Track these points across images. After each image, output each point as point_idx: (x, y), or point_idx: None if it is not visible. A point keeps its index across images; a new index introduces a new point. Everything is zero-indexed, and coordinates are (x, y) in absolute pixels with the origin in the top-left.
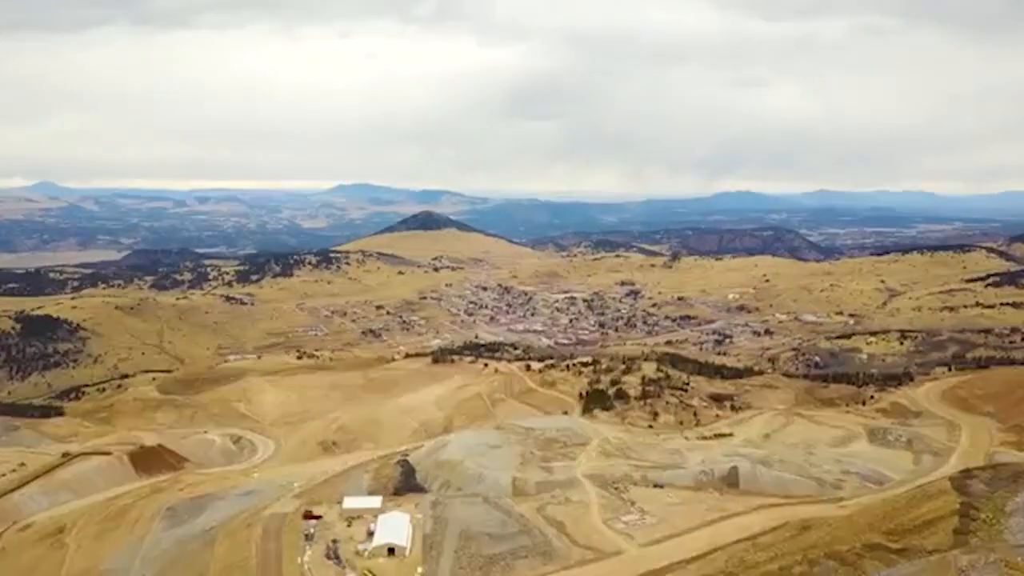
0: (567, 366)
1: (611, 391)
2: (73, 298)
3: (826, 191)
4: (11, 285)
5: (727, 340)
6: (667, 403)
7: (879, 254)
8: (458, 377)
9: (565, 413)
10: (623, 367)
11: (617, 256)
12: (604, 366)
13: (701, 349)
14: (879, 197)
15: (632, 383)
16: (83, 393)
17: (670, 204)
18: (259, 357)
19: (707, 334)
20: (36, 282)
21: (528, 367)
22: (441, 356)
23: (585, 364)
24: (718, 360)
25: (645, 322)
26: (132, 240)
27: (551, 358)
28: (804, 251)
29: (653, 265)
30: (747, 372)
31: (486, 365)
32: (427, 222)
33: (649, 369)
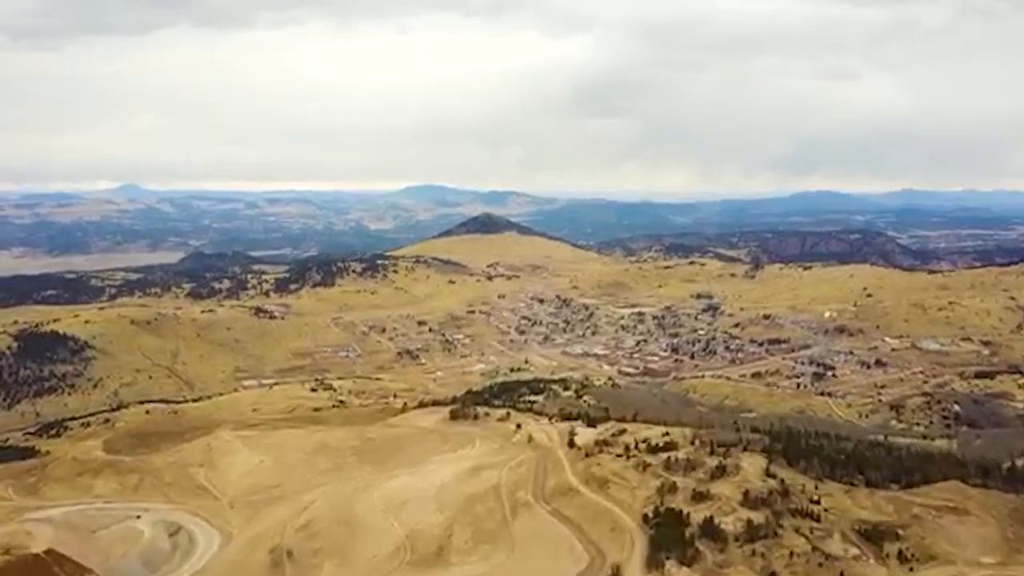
0: (627, 448)
1: (694, 518)
2: (101, 308)
3: (911, 190)
4: (49, 292)
5: (829, 373)
6: (790, 552)
7: (1003, 264)
8: (478, 444)
9: (616, 572)
10: (713, 462)
11: (691, 263)
12: (683, 455)
13: (799, 387)
14: (969, 196)
15: (728, 500)
16: (65, 428)
17: (745, 204)
18: (271, 387)
19: (802, 363)
20: (75, 289)
21: (572, 440)
22: (462, 410)
23: (654, 448)
24: (821, 403)
25: (727, 347)
26: (200, 242)
27: (608, 418)
28: (897, 256)
29: (733, 274)
30: (905, 466)
31: (519, 427)
32: (486, 224)
33: (753, 469)
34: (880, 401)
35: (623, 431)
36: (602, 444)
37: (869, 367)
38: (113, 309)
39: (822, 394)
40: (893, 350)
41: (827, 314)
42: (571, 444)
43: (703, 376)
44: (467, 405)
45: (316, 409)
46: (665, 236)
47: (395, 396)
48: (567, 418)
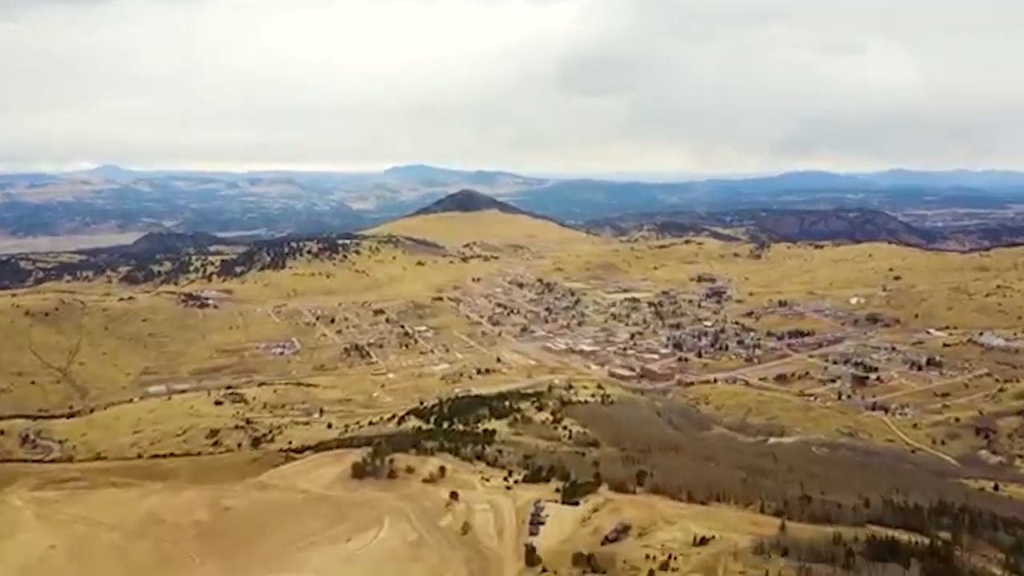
0: None
1: None
2: (15, 295)
3: (902, 170)
4: None
5: (872, 376)
6: None
7: (1009, 243)
8: (385, 531)
9: None
10: None
11: (688, 242)
12: None
13: (840, 396)
14: (958, 176)
15: None
16: None
17: (736, 185)
18: (169, 398)
19: (835, 362)
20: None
21: (532, 546)
22: (372, 463)
23: None
24: (875, 422)
25: (740, 341)
26: (173, 222)
27: (598, 480)
28: (903, 235)
29: (736, 254)
30: None
31: (453, 498)
32: (466, 202)
33: None
34: (957, 421)
35: (625, 528)
36: (585, 564)
37: (920, 368)
38: (19, 297)
39: (874, 408)
40: (945, 346)
41: (853, 300)
42: (530, 556)
43: (715, 380)
44: (381, 454)
45: (213, 432)
46: (657, 215)
47: (321, 412)
48: (533, 477)
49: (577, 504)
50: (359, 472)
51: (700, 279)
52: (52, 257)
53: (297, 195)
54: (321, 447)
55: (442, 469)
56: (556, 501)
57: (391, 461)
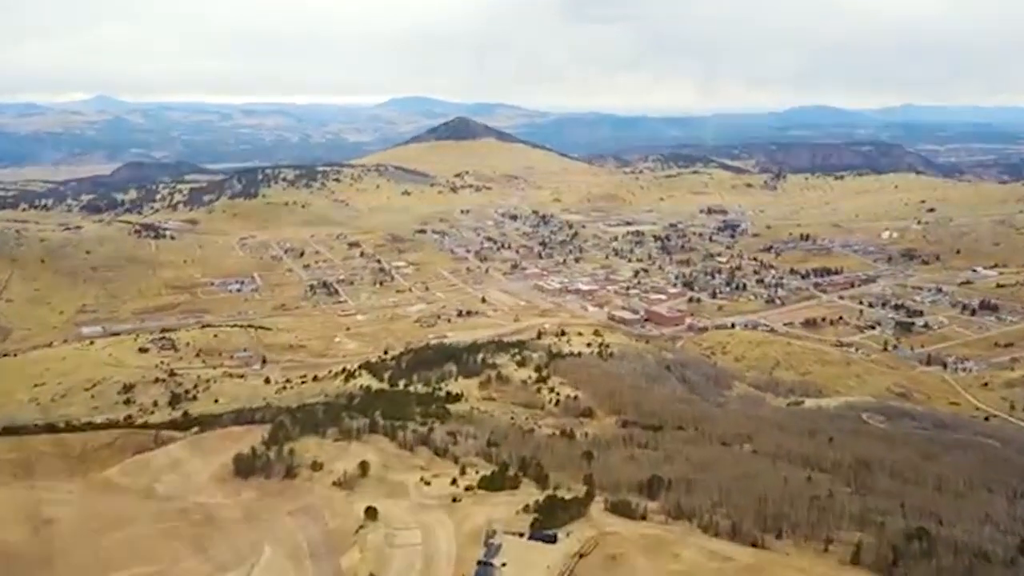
0: None
1: None
2: None
3: (911, 106)
4: None
5: (918, 323)
6: None
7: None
8: (259, 567)
9: None
10: None
11: (696, 172)
12: None
13: (886, 348)
14: (968, 112)
15: None
16: None
17: (742, 119)
18: (91, 343)
19: (871, 304)
20: None
21: None
22: (263, 454)
23: None
24: (935, 381)
25: (760, 280)
26: (164, 153)
27: (590, 493)
28: (922, 169)
29: (749, 185)
30: None
31: (370, 517)
32: (461, 130)
33: None
34: None
35: None
36: None
37: (973, 312)
38: None
39: (928, 362)
40: (999, 286)
41: (885, 234)
42: None
43: (732, 326)
44: (280, 440)
45: (127, 387)
46: (662, 147)
47: (264, 362)
48: (495, 479)
49: (554, 540)
50: (245, 467)
51: (711, 211)
52: (19, 186)
53: (292, 127)
54: (208, 423)
55: (363, 465)
56: (521, 534)
57: (291, 452)
